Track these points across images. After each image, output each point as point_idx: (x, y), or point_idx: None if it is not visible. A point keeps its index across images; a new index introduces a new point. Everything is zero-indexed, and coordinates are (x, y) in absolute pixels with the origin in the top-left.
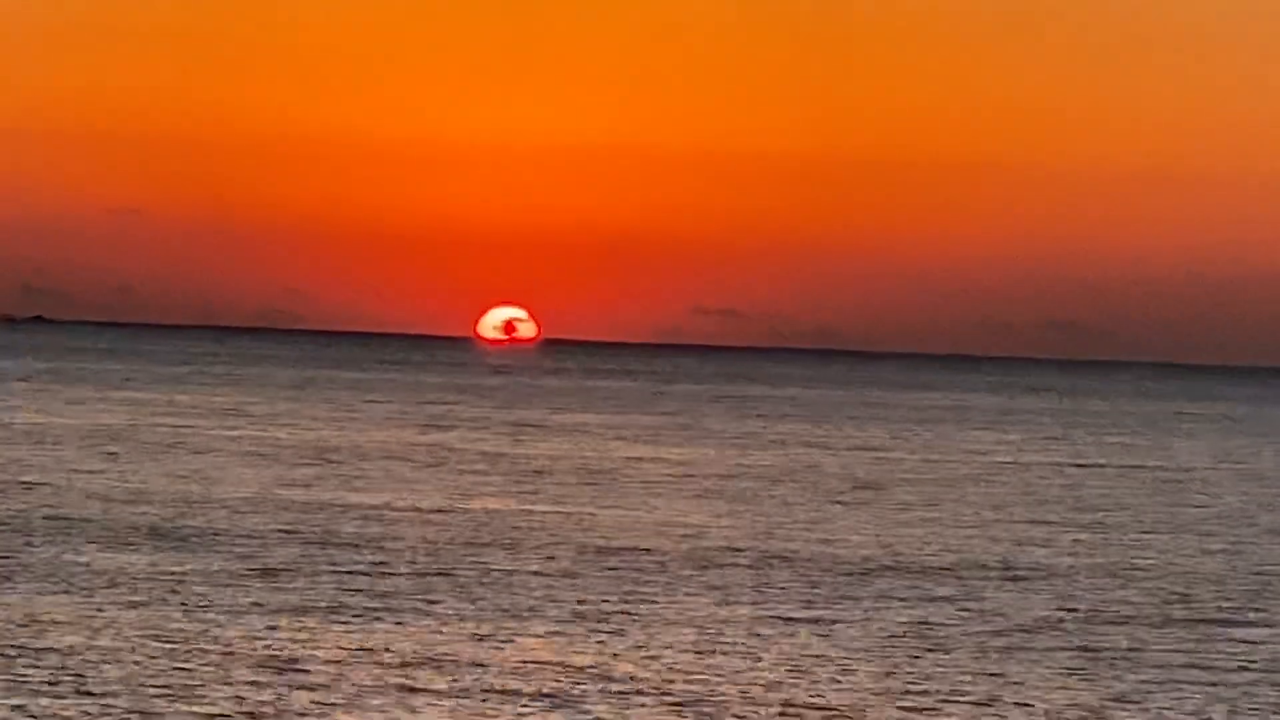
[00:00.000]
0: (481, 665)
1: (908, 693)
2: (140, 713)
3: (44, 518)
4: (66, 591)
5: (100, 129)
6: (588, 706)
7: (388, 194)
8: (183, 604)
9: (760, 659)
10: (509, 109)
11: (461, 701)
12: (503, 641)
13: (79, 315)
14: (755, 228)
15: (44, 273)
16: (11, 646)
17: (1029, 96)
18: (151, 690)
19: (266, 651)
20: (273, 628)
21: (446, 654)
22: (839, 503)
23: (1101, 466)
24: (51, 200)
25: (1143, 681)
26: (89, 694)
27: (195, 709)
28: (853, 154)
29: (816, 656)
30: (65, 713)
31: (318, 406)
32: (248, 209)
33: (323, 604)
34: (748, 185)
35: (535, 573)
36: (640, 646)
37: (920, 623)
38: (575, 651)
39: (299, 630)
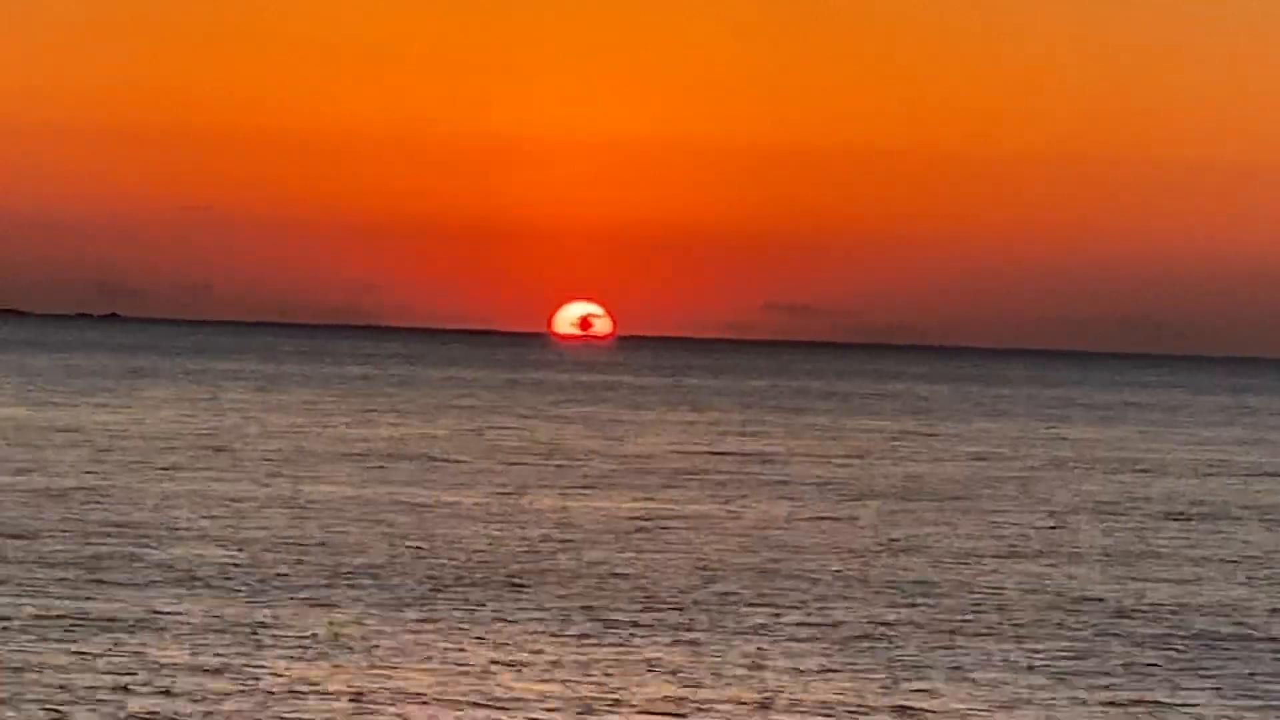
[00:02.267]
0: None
1: None
2: None
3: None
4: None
5: (174, 126)
6: None
7: (464, 189)
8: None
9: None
10: (584, 104)
11: None
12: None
13: (154, 313)
14: (828, 223)
15: (119, 270)
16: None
17: (1106, 88)
18: None
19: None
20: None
21: None
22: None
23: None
24: (126, 198)
25: None
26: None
27: None
28: (926, 148)
29: None
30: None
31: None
32: (323, 205)
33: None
34: (820, 180)
35: None
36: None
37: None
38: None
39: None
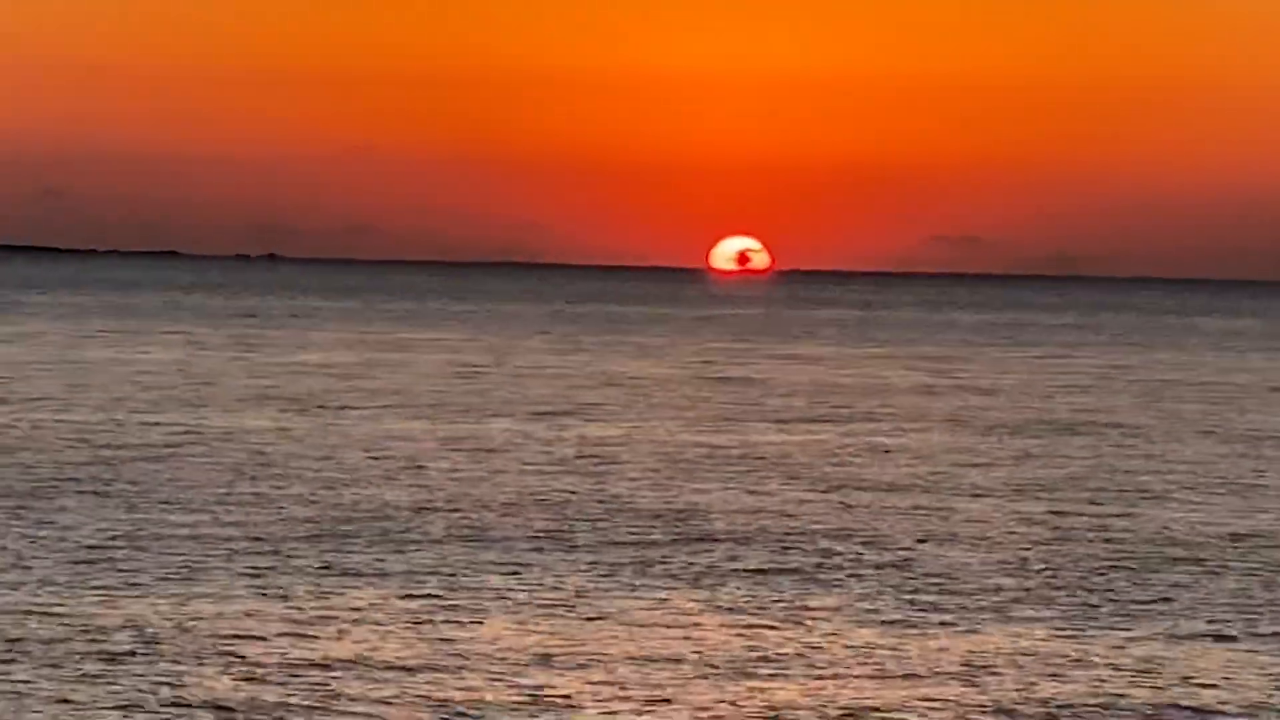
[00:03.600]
0: None
1: None
2: None
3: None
4: None
5: (333, 67)
6: None
7: (622, 126)
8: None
9: None
10: (744, 40)
11: None
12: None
13: (313, 253)
14: (992, 154)
15: (278, 211)
16: None
17: (1267, 18)
18: None
19: None
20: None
21: None
22: None
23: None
24: (283, 138)
25: None
26: None
27: None
28: (1093, 78)
29: None
30: None
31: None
32: (483, 144)
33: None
34: (985, 111)
35: None
36: None
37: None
38: None
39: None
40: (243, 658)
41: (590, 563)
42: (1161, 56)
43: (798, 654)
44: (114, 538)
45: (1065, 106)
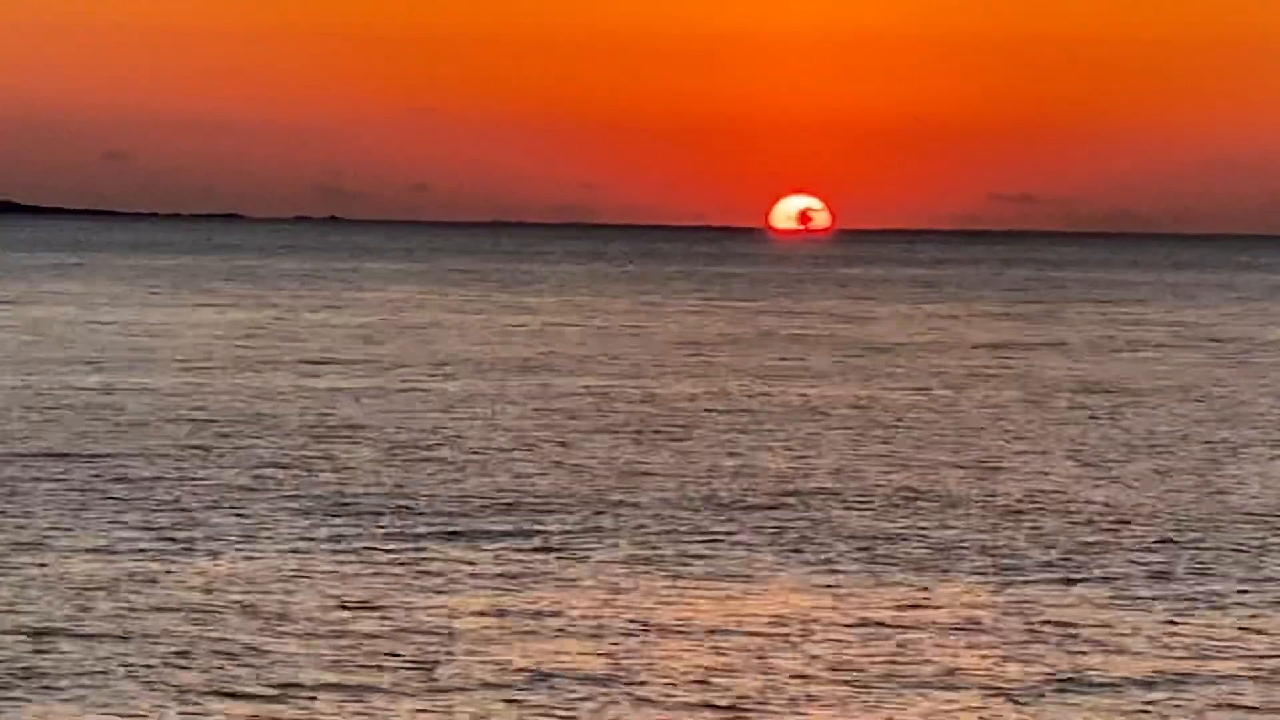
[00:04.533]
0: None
1: None
2: None
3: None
4: None
5: (394, 30)
6: None
7: (680, 85)
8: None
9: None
10: None
11: None
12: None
13: (374, 214)
14: (1049, 111)
15: (339, 173)
16: None
17: None
18: None
19: None
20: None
21: None
22: None
23: None
24: (346, 100)
25: None
26: None
27: None
28: (1146, 36)
29: None
30: None
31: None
32: (541, 104)
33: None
34: (1041, 68)
35: None
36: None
37: None
38: None
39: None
40: None
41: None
42: (1222, 15)
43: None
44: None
45: (1122, 64)
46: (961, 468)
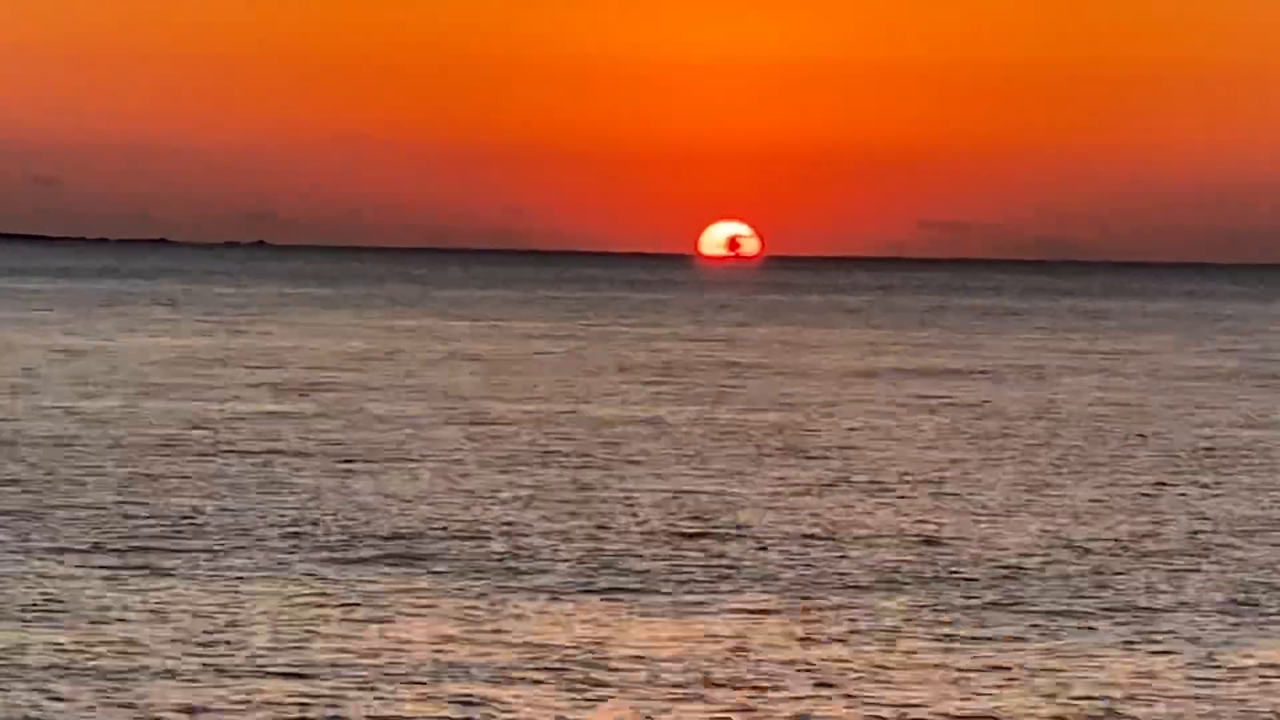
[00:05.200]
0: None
1: None
2: None
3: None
4: None
5: (322, 55)
6: None
7: (609, 112)
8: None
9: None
10: (731, 25)
11: None
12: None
13: (303, 240)
14: (980, 138)
15: (269, 198)
16: None
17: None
18: None
19: None
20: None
21: None
22: None
23: None
24: (276, 126)
25: None
26: None
27: None
28: (1077, 63)
29: None
30: None
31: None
32: (469, 130)
33: None
34: (972, 96)
35: None
36: None
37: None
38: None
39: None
40: None
41: None
42: (1152, 44)
43: None
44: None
45: (1052, 92)
46: (872, 497)
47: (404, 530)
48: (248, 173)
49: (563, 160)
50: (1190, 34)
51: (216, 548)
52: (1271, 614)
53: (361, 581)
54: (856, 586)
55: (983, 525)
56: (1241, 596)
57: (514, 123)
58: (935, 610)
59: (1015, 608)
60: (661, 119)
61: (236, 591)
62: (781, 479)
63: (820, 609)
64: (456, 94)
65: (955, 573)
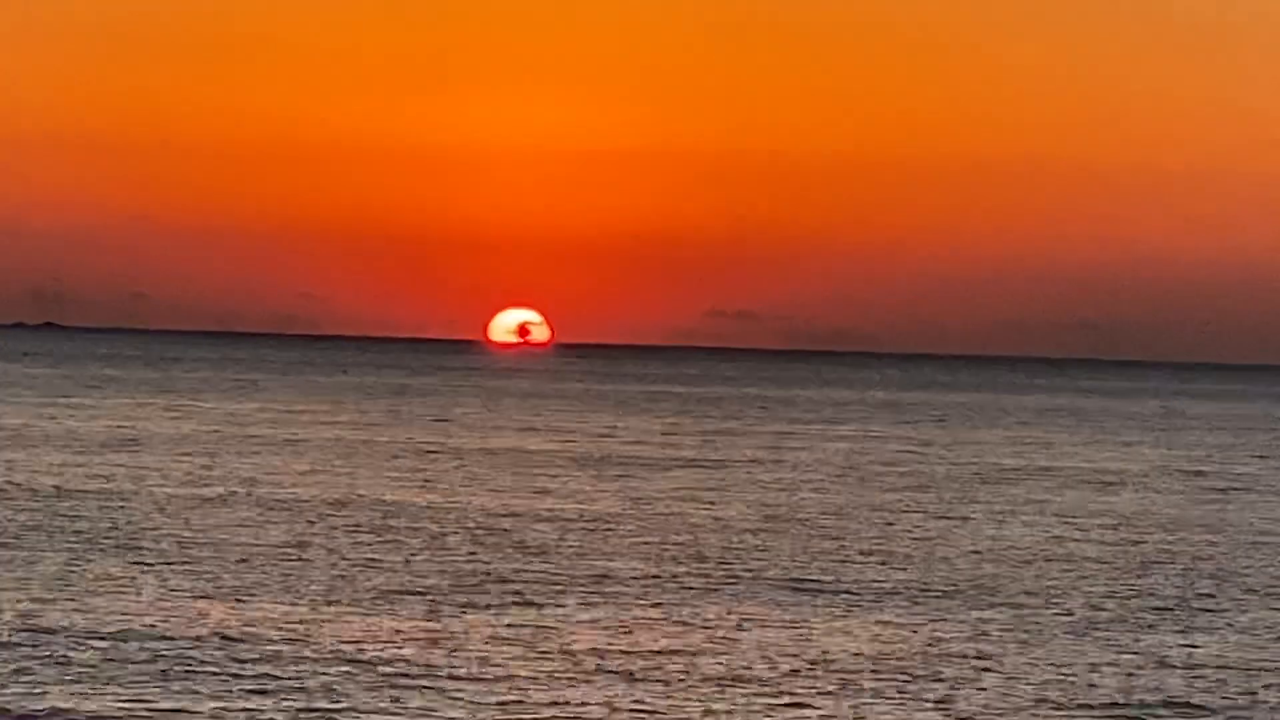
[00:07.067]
0: None
1: None
2: None
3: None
4: None
5: (110, 135)
6: None
7: (399, 197)
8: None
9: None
10: (521, 113)
11: None
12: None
13: (92, 321)
14: (770, 229)
15: (56, 279)
16: None
17: (1047, 95)
18: None
19: None
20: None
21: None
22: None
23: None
24: (62, 207)
25: None
26: None
27: None
28: (867, 154)
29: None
30: None
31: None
32: (259, 213)
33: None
34: (762, 187)
35: None
36: None
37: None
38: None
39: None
40: None
41: None
42: (941, 134)
43: None
44: None
45: (846, 183)
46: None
47: None
48: (36, 253)
49: (355, 245)
50: (979, 128)
51: None
52: None
53: None
54: None
55: None
56: None
57: (305, 206)
58: None
59: None
60: (454, 205)
61: None
62: None
63: None
64: (243, 177)
65: None
